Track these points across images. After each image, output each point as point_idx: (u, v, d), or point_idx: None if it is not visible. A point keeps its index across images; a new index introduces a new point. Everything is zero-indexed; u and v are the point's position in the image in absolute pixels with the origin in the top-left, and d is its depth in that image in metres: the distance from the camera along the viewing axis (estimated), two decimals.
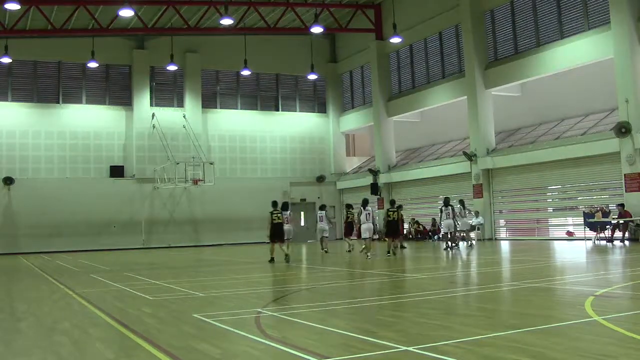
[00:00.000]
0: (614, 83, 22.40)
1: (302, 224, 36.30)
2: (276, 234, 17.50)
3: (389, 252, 18.44)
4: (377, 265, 15.82)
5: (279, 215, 17.67)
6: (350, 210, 22.12)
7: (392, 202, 19.86)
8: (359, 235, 19.52)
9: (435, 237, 29.66)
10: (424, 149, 34.21)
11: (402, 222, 20.01)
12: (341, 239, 22.50)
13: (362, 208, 18.97)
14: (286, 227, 18.27)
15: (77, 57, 32.14)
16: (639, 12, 21.72)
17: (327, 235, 22.08)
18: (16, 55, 29.97)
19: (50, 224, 30.65)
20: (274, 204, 18.03)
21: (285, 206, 18.69)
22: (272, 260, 17.40)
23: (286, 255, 17.24)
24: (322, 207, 22.66)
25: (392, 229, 18.85)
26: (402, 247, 21.82)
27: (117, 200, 32.18)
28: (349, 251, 20.89)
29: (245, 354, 5.52)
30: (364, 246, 18.71)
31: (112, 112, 33.50)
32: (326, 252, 21.11)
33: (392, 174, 33.70)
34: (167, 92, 34.82)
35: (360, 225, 18.89)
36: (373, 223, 19.07)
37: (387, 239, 19.24)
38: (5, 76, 31.76)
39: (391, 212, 18.93)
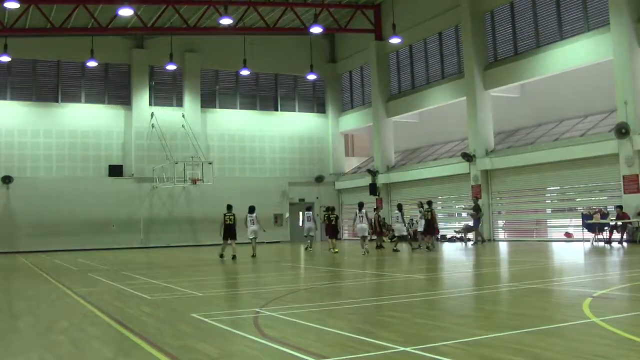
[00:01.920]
0: (613, 84, 22.42)
1: (300, 224, 36.25)
2: (228, 233, 19.43)
3: (427, 248, 21.02)
4: (375, 266, 15.84)
5: (230, 217, 19.60)
6: (333, 212, 22.95)
7: (429, 203, 21.77)
8: (331, 236, 21.79)
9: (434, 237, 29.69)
10: (423, 149, 34.22)
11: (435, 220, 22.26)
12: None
13: (357, 210, 20.89)
14: (253, 227, 20.16)
15: (76, 56, 32.11)
16: (638, 13, 21.75)
17: (312, 234, 23.73)
18: (15, 54, 29.92)
19: (49, 223, 30.61)
20: (229, 207, 19.89)
21: (251, 209, 20.39)
22: (221, 256, 19.20)
23: (231, 253, 19.18)
24: (309, 208, 24.45)
25: (428, 227, 21.19)
26: (380, 247, 23.66)
27: (116, 200, 32.16)
28: (330, 249, 22.07)
29: (244, 354, 5.53)
30: (364, 247, 20.22)
31: (111, 111, 33.48)
32: (310, 249, 23.14)
33: (391, 174, 33.71)
34: (166, 92, 34.80)
35: (356, 226, 20.74)
36: (373, 223, 20.42)
37: (424, 236, 21.74)
38: (4, 75, 31.70)
39: (427, 212, 21.19)
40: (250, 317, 7.44)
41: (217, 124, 35.45)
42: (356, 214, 20.89)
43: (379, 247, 23.64)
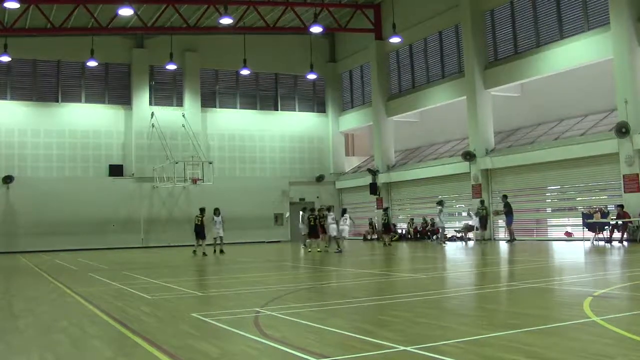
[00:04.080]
0: (614, 84, 22.41)
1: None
2: (198, 233, 22.32)
3: (483, 241, 24.23)
4: (376, 265, 15.84)
5: (200, 218, 22.44)
6: (313, 213, 23.70)
7: (482, 202, 25.22)
8: (310, 236, 23.10)
9: (434, 237, 29.71)
10: (423, 149, 34.20)
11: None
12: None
13: (327, 212, 23.17)
14: (217, 228, 22.70)
15: (77, 56, 32.10)
16: (639, 12, 21.73)
17: (304, 233, 25.08)
18: (15, 54, 29.91)
19: (49, 223, 30.60)
20: (201, 210, 22.74)
21: (216, 212, 22.88)
22: (194, 253, 22.14)
23: (201, 252, 21.80)
24: (302, 210, 26.03)
25: (482, 223, 24.61)
26: (388, 244, 25.17)
27: (116, 199, 32.16)
28: (309, 251, 23.08)
29: (244, 354, 5.52)
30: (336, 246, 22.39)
31: (111, 111, 33.48)
32: (304, 247, 24.44)
33: (391, 173, 33.70)
34: (166, 91, 34.80)
35: (329, 225, 22.76)
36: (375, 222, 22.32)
37: (479, 230, 25.05)
38: (5, 75, 31.70)
39: (481, 210, 24.66)
40: (251, 317, 7.43)
41: (217, 123, 35.44)
42: (326, 215, 22.97)
43: (386, 244, 24.68)
